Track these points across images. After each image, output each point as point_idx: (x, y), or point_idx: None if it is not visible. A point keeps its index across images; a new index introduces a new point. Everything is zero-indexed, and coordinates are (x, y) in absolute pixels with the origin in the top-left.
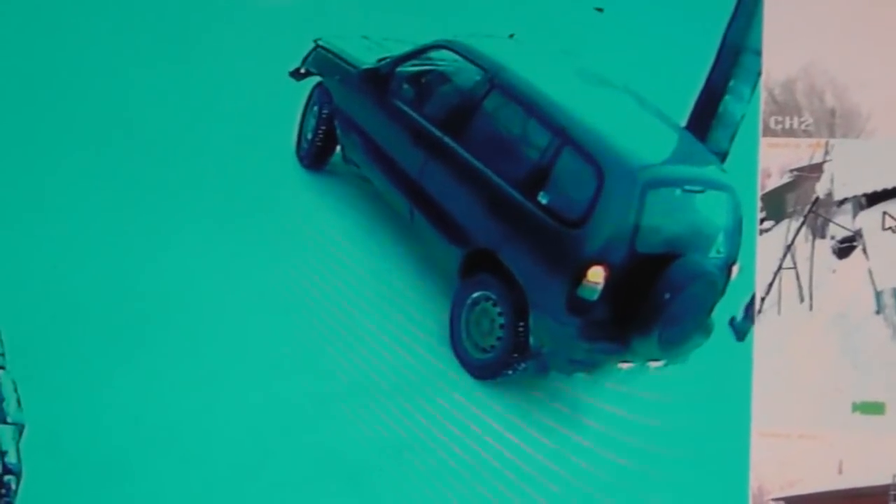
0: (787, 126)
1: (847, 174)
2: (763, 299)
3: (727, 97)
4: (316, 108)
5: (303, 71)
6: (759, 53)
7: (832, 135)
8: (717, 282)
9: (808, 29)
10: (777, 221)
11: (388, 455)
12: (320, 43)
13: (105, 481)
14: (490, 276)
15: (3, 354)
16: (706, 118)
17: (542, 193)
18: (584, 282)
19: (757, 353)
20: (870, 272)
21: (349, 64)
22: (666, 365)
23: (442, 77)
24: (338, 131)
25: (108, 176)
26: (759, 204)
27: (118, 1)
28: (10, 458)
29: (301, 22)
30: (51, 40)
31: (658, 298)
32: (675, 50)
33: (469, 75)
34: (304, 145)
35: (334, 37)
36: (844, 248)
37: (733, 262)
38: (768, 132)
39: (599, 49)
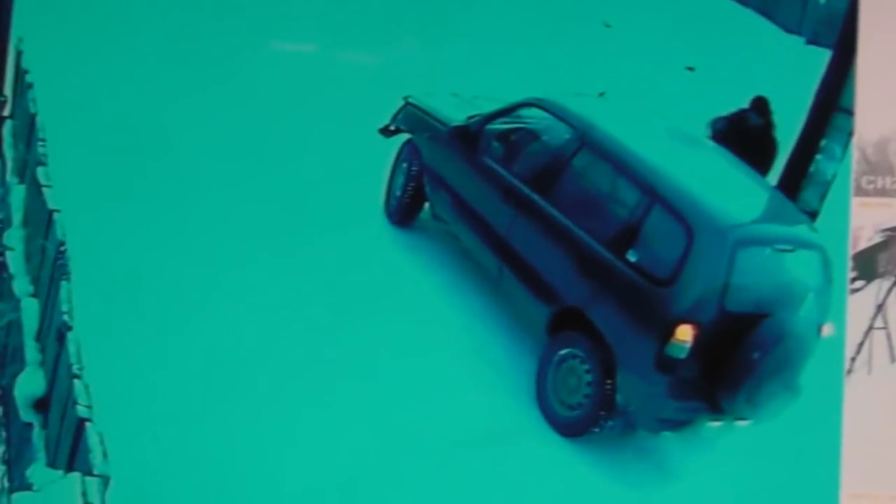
0: (880, 185)
1: None
2: (853, 359)
3: (819, 156)
4: (405, 165)
5: (392, 128)
6: (851, 113)
7: None
8: (807, 342)
9: None
10: (868, 281)
11: None
12: (410, 101)
13: None
14: (578, 333)
15: (90, 407)
16: (797, 177)
17: (631, 251)
18: (673, 340)
19: (847, 412)
20: None
21: (439, 121)
22: (754, 424)
23: (531, 135)
24: (426, 188)
25: (199, 232)
26: (851, 263)
27: (215, 64)
28: None
29: (391, 80)
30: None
31: (747, 357)
32: None
33: (559, 133)
34: (393, 202)
35: (424, 94)
36: None
37: (824, 322)
38: (860, 192)
39: (690, 108)
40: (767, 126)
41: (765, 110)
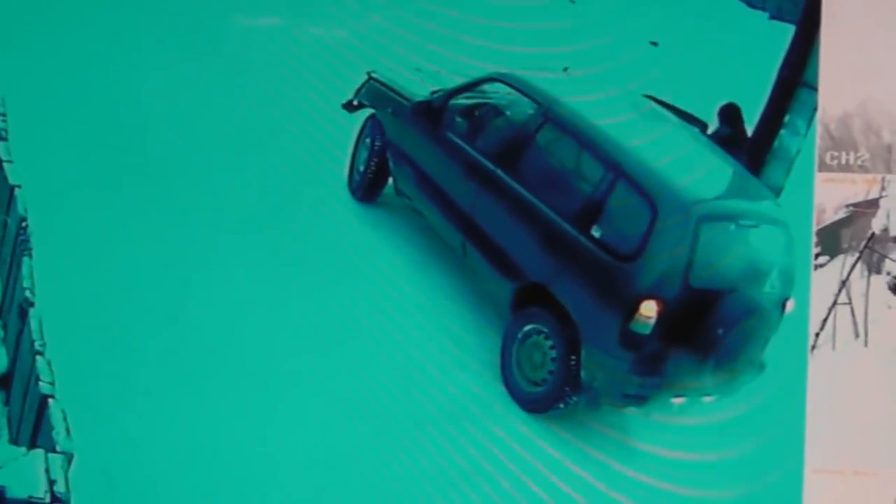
0: (843, 161)
1: None
2: (817, 335)
3: (783, 132)
4: (368, 141)
5: (355, 103)
6: (815, 88)
7: (888, 170)
8: (771, 317)
9: (865, 65)
10: (832, 257)
11: (441, 486)
12: (373, 75)
13: None
14: (542, 309)
15: (52, 384)
16: (761, 153)
17: (595, 227)
18: (637, 316)
19: (811, 388)
20: None
21: (402, 96)
22: (718, 399)
23: (495, 110)
24: (390, 163)
25: (162, 208)
26: (815, 239)
27: (177, 37)
28: (59, 487)
29: (354, 54)
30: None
31: (711, 333)
32: (730, 84)
33: (522, 108)
34: (356, 177)
35: (387, 69)
36: None
37: (787, 298)
38: (824, 167)
39: (654, 83)
40: (739, 134)
41: (733, 119)
